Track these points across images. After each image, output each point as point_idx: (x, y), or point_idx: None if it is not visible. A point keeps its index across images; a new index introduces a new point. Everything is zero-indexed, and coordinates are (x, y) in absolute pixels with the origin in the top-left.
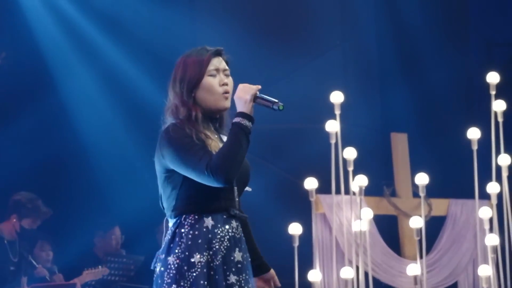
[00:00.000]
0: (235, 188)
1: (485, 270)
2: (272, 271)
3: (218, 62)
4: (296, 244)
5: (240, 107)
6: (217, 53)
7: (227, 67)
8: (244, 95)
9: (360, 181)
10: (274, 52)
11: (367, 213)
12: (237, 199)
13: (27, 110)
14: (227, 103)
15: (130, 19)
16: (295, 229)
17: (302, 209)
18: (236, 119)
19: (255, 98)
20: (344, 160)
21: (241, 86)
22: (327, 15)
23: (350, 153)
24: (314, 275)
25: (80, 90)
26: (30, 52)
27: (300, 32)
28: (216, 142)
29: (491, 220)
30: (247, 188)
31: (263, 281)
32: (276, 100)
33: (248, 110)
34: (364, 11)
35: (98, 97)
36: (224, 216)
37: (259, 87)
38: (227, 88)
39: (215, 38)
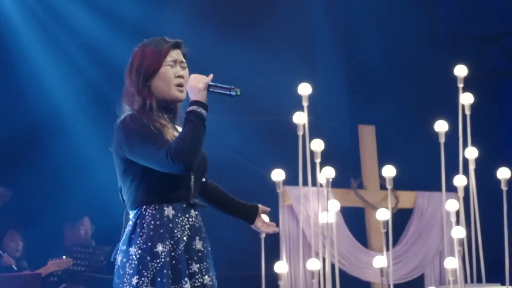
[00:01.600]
0: (192, 177)
1: (452, 263)
2: (259, 206)
3: (177, 55)
4: (263, 235)
5: (193, 96)
6: (176, 46)
7: (184, 60)
8: (197, 84)
9: (327, 173)
10: (242, 45)
11: (334, 205)
12: (194, 188)
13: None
14: (182, 95)
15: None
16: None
17: (269, 200)
18: (191, 108)
19: (209, 86)
20: (312, 152)
21: (193, 76)
22: (295, 7)
23: (318, 145)
24: (280, 267)
25: (38, 72)
26: None
27: (269, 24)
28: (172, 130)
29: (457, 213)
30: (203, 204)
31: (259, 221)
32: (233, 86)
33: (202, 98)
34: (331, 3)
35: (58, 81)
36: (184, 205)
37: (211, 76)
38: (181, 80)
39: (182, 30)
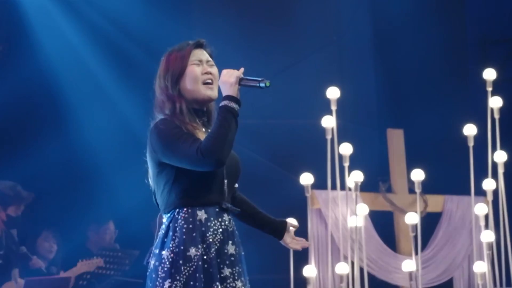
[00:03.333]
0: (225, 181)
1: (481, 267)
2: (287, 222)
3: (200, 53)
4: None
5: (225, 91)
6: (198, 45)
7: (210, 59)
8: (229, 78)
9: (355, 177)
10: (270, 48)
11: (363, 209)
12: (227, 193)
13: (31, 115)
14: (212, 93)
15: (127, 14)
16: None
17: (298, 204)
18: (223, 102)
19: (240, 80)
20: (340, 156)
21: (224, 71)
22: (323, 10)
23: (346, 148)
24: (309, 271)
25: (79, 91)
26: (25, 45)
27: (296, 27)
28: (203, 134)
29: (486, 216)
30: (236, 209)
31: (288, 236)
32: (262, 78)
33: (234, 93)
34: (360, 7)
35: (95, 93)
36: (217, 210)
37: (242, 69)
38: (209, 76)
39: (210, 33)
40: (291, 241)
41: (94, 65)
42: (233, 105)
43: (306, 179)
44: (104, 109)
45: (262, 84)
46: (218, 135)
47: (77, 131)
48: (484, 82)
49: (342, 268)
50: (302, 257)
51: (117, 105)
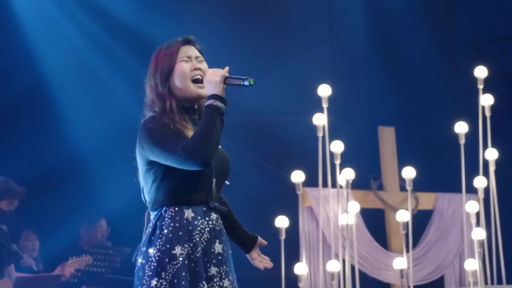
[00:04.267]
0: (214, 180)
1: (472, 264)
2: (258, 238)
3: (190, 50)
4: (283, 237)
5: (211, 90)
6: (187, 41)
7: (199, 54)
8: (214, 77)
9: (347, 175)
10: (261, 46)
11: (354, 207)
12: (215, 192)
13: (9, 98)
14: (202, 91)
15: (118, 12)
16: (281, 222)
17: (289, 202)
18: (208, 102)
19: (225, 79)
20: (331, 154)
21: (209, 70)
22: (314, 8)
23: (337, 146)
24: (300, 268)
25: (65, 83)
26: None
27: (288, 25)
28: (192, 132)
29: (478, 214)
30: (224, 208)
31: (255, 252)
32: (246, 77)
33: (220, 92)
34: (351, 5)
35: (81, 90)
36: (204, 208)
37: (227, 68)
38: (199, 72)
39: (202, 31)
40: (256, 257)
41: (85, 59)
42: (219, 104)
43: (297, 176)
44: (96, 105)
45: (246, 83)
46: (203, 135)
47: (68, 127)
48: (475, 79)
49: (333, 266)
50: (293, 254)
51: (109, 101)
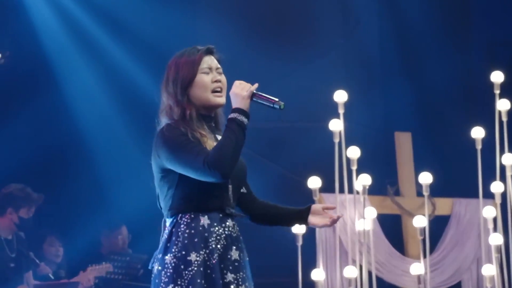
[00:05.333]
0: (230, 186)
1: (489, 270)
2: (313, 205)
3: (210, 60)
4: (300, 243)
5: (236, 103)
6: (208, 52)
7: (219, 66)
8: (241, 91)
9: (363, 180)
10: (277, 51)
11: (371, 212)
12: (232, 198)
13: (30, 108)
14: (221, 100)
15: (132, 17)
16: (298, 228)
17: None
18: (232, 115)
19: (253, 95)
20: (348, 159)
21: (237, 82)
22: (329, 14)
23: (354, 152)
24: (317, 274)
25: (82, 88)
26: (32, 51)
27: (303, 31)
28: (211, 141)
29: (495, 219)
30: (240, 214)
31: (317, 217)
32: (277, 99)
33: (245, 107)
34: (366, 10)
35: (101, 95)
36: (220, 215)
37: (257, 85)
38: (220, 84)
39: (217, 37)
40: (318, 221)
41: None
42: (243, 118)
43: (314, 182)
44: (117, 108)
45: (276, 106)
46: (225, 149)
47: (86, 133)
48: (491, 84)
49: (351, 272)
50: (310, 260)
51: (132, 105)
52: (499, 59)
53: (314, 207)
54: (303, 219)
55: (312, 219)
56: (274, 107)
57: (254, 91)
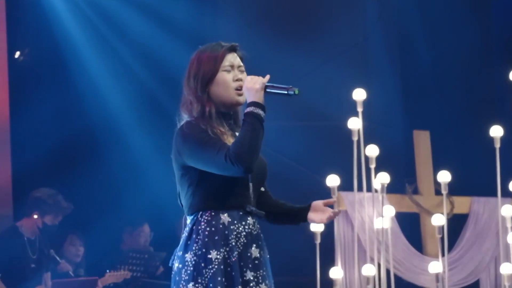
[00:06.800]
0: (251, 184)
1: (507, 268)
2: (313, 202)
3: (233, 58)
4: (318, 241)
5: (250, 97)
6: (232, 49)
7: (241, 63)
8: (254, 85)
9: (382, 179)
10: (296, 50)
11: (389, 211)
12: (252, 196)
13: (48, 104)
14: (242, 99)
15: (147, 16)
16: (317, 226)
17: None
18: (248, 109)
19: (266, 87)
20: (366, 158)
21: (248, 77)
22: (349, 12)
23: (372, 150)
24: (336, 273)
25: (101, 83)
26: (50, 48)
27: (322, 29)
28: (231, 137)
29: None
30: (261, 212)
31: (317, 213)
32: (290, 86)
33: (259, 99)
34: (385, 9)
35: (116, 91)
36: (240, 213)
37: (268, 76)
38: (241, 83)
39: (236, 34)
40: (318, 217)
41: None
42: (259, 111)
43: (333, 180)
44: (141, 112)
45: (290, 92)
46: (246, 142)
47: (105, 128)
48: (510, 83)
49: (369, 270)
50: (328, 258)
51: (155, 105)
52: None
53: (315, 203)
54: (303, 217)
55: (311, 215)
56: (289, 94)
57: (267, 83)
